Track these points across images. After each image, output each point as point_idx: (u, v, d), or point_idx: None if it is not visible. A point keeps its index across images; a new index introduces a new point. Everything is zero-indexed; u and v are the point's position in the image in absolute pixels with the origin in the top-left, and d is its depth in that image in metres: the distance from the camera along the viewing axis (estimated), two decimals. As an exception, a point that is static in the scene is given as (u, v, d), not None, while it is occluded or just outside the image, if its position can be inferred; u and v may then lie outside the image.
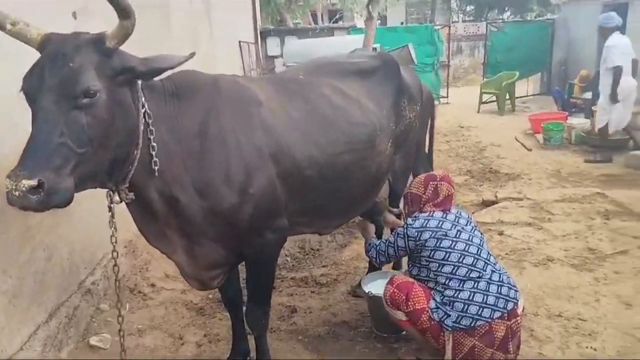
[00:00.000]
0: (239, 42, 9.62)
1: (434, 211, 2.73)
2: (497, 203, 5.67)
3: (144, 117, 2.07)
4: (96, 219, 3.56)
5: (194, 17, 6.62)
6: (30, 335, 2.77)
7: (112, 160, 2.01)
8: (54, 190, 1.69)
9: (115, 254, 2.25)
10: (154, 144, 2.11)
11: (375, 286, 3.27)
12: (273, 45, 12.78)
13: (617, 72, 7.05)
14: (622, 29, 7.33)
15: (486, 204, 5.73)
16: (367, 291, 3.22)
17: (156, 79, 2.20)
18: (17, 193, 1.63)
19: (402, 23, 23.76)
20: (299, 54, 9.64)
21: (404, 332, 3.18)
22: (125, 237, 4.14)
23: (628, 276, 3.79)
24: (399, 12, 24.65)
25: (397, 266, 3.84)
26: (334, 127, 2.64)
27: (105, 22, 3.72)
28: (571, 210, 5.22)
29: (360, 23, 15.47)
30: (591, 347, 2.98)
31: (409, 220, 2.74)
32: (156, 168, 2.12)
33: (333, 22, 17.93)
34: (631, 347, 2.97)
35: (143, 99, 2.07)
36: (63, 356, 3.02)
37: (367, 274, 3.76)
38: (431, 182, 2.75)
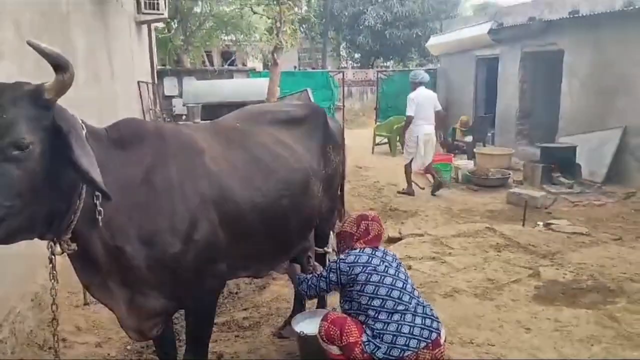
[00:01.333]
0: (138, 82, 9.43)
1: (364, 247, 2.90)
2: (401, 239, 6.04)
3: None
4: (2, 271, 3.32)
5: (97, 58, 6.45)
6: None
7: (50, 211, 1.96)
8: None
9: (54, 307, 2.16)
10: (98, 194, 2.08)
11: (304, 326, 3.36)
12: (170, 86, 12.65)
13: (407, 120, 8.40)
14: (428, 84, 8.87)
15: (391, 240, 6.07)
16: (298, 331, 3.29)
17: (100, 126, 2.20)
18: None
19: (295, 67, 24.60)
20: (200, 95, 9.67)
21: (334, 370, 3.29)
22: (32, 289, 3.87)
23: (523, 303, 4.23)
24: (292, 57, 25.48)
25: (322, 305, 3.94)
26: (273, 174, 2.76)
27: (16, 64, 3.59)
28: (467, 245, 5.71)
29: (258, 66, 15.84)
30: (503, 370, 3.29)
31: (342, 256, 2.89)
32: (100, 218, 2.09)
33: (229, 65, 18.11)
34: (535, 366, 3.33)
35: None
36: None
37: (291, 315, 3.83)
38: (363, 222, 2.94)
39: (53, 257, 2.08)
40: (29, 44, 1.77)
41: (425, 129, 8.30)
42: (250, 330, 3.98)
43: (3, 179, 1.72)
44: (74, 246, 2.07)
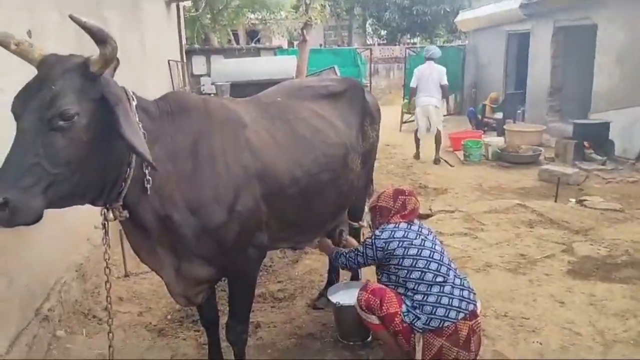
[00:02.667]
0: (168, 61, 9.52)
1: (400, 222, 2.93)
2: (432, 216, 6.06)
3: None
4: (50, 242, 3.45)
5: (130, 37, 6.54)
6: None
7: (100, 179, 2.04)
8: (18, 209, 1.73)
9: (107, 270, 2.25)
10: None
11: (339, 297, 3.43)
12: (199, 64, 12.70)
13: (411, 91, 9.58)
14: (439, 59, 9.33)
15: (422, 217, 6.06)
16: (335, 302, 3.36)
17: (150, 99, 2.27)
18: None
19: (320, 45, 24.45)
20: (228, 73, 9.67)
21: (369, 339, 3.37)
22: (75, 260, 4.02)
23: (557, 277, 4.23)
24: (317, 34, 25.31)
25: (355, 277, 4.00)
26: (313, 148, 2.80)
27: (57, 42, 3.67)
28: (499, 221, 5.69)
29: (284, 44, 15.78)
30: (537, 342, 3.31)
31: (377, 232, 2.92)
32: (149, 186, 2.17)
33: (255, 42, 18.10)
34: (570, 339, 3.34)
35: (137, 118, 2.11)
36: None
37: (325, 286, 3.91)
38: (400, 196, 2.96)
39: (106, 222, 2.17)
40: (71, 17, 1.79)
41: (421, 101, 9.04)
42: (285, 301, 4.07)
43: (50, 147, 1.81)
44: (125, 213, 2.15)
